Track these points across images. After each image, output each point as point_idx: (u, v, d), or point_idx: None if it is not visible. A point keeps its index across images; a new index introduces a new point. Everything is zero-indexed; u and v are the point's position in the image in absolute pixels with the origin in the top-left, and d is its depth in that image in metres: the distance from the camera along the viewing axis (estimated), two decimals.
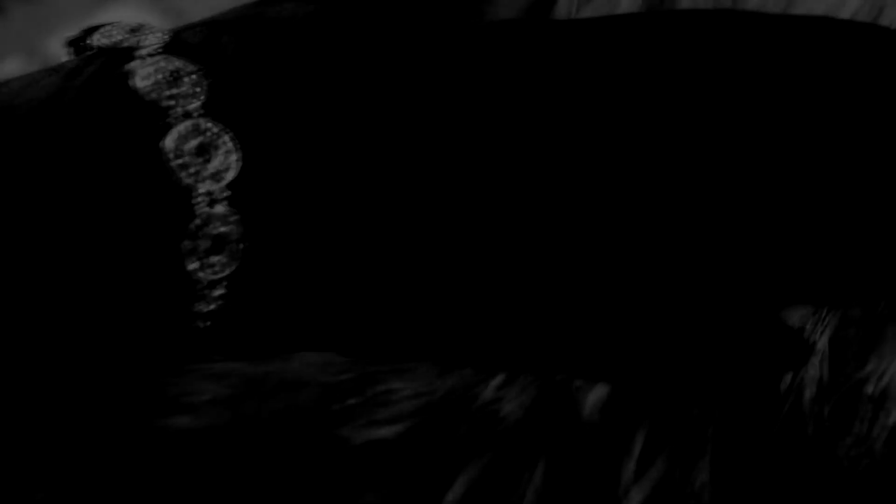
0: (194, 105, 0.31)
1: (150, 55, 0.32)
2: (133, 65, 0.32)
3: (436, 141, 0.33)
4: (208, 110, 0.32)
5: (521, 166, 0.33)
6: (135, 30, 0.33)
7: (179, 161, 0.31)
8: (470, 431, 0.34)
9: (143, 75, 0.31)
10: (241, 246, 0.31)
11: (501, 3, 0.40)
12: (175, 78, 0.32)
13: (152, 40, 0.33)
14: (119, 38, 0.33)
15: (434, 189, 0.33)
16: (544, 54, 0.34)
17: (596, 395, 0.35)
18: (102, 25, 0.33)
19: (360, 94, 0.33)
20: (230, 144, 0.31)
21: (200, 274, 0.31)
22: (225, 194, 0.31)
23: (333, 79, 0.33)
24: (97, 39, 0.33)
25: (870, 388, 0.33)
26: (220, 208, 0.31)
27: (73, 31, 0.33)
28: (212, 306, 0.32)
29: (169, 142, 0.31)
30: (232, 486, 0.34)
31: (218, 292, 0.32)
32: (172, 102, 0.31)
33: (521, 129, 0.33)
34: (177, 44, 0.33)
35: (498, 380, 0.35)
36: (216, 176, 0.31)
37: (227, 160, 0.31)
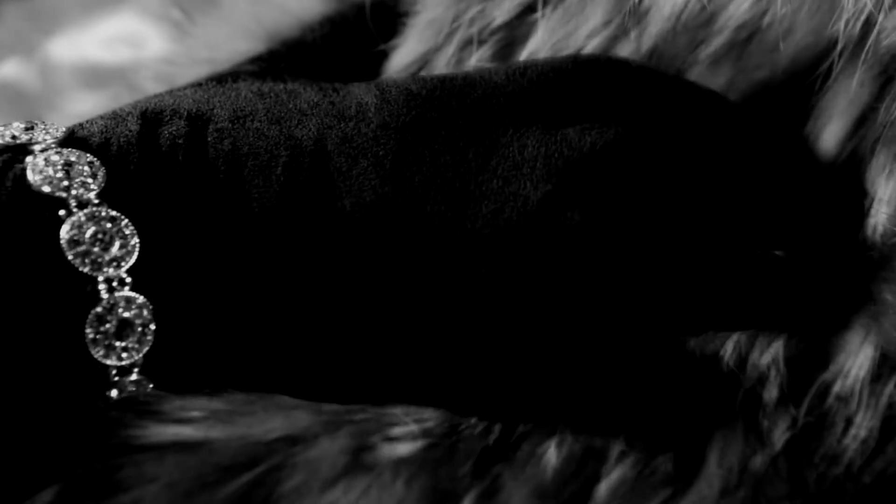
0: (90, 194, 0.32)
1: (43, 150, 0.32)
2: (27, 160, 0.32)
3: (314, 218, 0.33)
4: (105, 198, 0.32)
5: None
6: (30, 127, 0.33)
7: (76, 250, 0.31)
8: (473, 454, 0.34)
9: (37, 169, 0.32)
10: (153, 328, 0.32)
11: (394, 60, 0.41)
12: (68, 169, 0.32)
13: (45, 136, 0.33)
14: (16, 134, 0.33)
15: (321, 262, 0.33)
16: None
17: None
18: None
19: (253, 179, 0.33)
20: (129, 230, 0.32)
21: (108, 361, 0.31)
22: (128, 279, 0.31)
23: (227, 164, 0.33)
24: None
25: (837, 387, 0.33)
26: (123, 294, 0.31)
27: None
28: (125, 393, 0.32)
29: (64, 232, 0.31)
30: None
31: (131, 378, 0.32)
32: (66, 194, 0.32)
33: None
34: (71, 138, 0.33)
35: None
36: (115, 262, 0.31)
37: (126, 246, 0.32)
